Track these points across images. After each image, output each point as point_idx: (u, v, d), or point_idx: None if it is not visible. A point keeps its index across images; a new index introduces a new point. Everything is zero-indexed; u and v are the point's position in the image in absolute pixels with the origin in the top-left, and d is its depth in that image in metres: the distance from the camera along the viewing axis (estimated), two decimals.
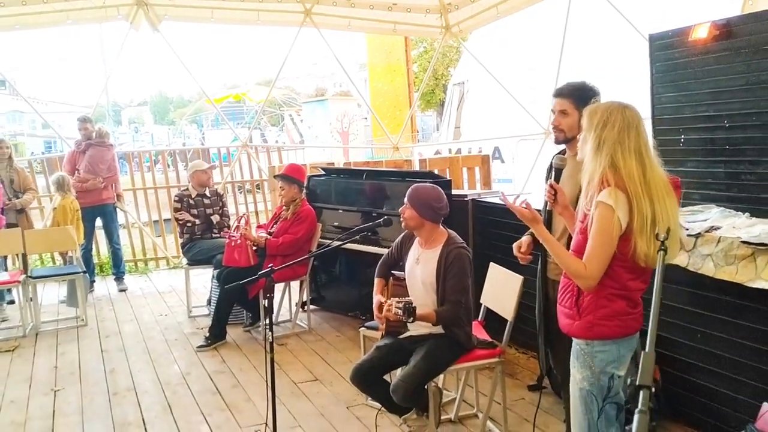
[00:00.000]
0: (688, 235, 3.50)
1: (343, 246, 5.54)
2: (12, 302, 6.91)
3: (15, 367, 5.32)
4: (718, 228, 3.50)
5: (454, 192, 5.66)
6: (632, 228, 2.35)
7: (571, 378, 2.64)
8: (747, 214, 3.79)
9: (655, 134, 4.76)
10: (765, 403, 3.06)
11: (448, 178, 6.40)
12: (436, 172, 7.18)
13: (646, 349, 1.56)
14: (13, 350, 5.73)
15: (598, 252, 2.38)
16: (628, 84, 7.85)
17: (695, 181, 4.49)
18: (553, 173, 2.87)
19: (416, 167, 7.79)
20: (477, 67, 10.86)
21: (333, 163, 8.61)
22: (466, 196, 5.57)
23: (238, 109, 32.20)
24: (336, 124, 19.01)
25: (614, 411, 2.55)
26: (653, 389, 1.49)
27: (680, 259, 3.52)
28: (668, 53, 4.64)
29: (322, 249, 5.02)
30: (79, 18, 8.11)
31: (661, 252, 1.98)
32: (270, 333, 3.47)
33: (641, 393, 1.44)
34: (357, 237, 4.99)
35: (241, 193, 10.03)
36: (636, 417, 1.37)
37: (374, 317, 3.68)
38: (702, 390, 3.61)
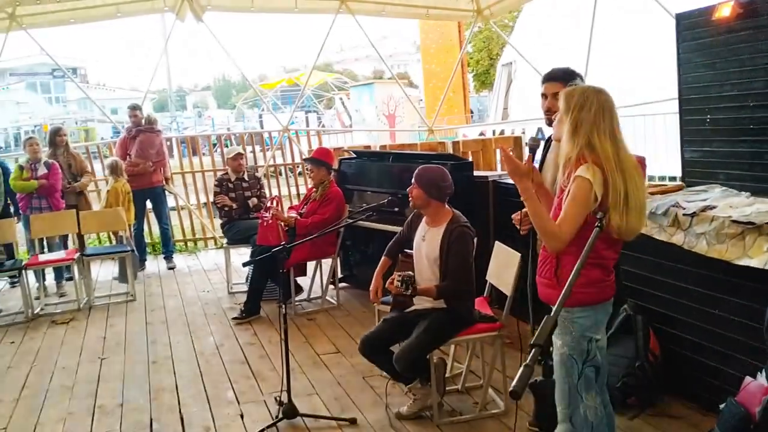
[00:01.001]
0: (684, 215, 3.57)
1: (371, 226, 5.81)
2: (70, 279, 7.40)
3: (68, 338, 5.76)
4: (714, 207, 3.55)
5: (476, 173, 5.79)
6: (607, 202, 2.49)
7: (553, 345, 2.78)
8: (748, 193, 3.82)
9: (681, 114, 4.80)
10: (747, 377, 3.13)
11: (470, 160, 6.49)
12: (466, 154, 7.31)
13: (551, 314, 1.70)
14: (67, 322, 6.18)
15: (571, 218, 2.52)
16: (658, 64, 7.80)
17: (720, 161, 4.48)
18: (529, 152, 3.00)
19: (450, 150, 7.91)
20: (525, 47, 10.85)
21: (369, 146, 8.81)
22: (487, 177, 5.70)
23: (296, 93, 32.70)
24: (382, 107, 19.18)
25: (593, 374, 2.69)
26: (546, 349, 1.64)
27: (676, 238, 3.61)
28: (695, 32, 4.62)
29: (329, 229, 5.22)
30: (127, 11, 8.53)
31: (597, 228, 2.11)
32: (284, 305, 3.69)
33: (532, 351, 1.60)
34: (374, 216, 5.20)
35: (282, 176, 10.34)
36: (520, 370, 1.52)
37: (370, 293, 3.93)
38: (698, 365, 3.69)
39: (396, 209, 5.47)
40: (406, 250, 4.16)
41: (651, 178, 6.19)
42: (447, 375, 4.19)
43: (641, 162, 2.72)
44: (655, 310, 3.95)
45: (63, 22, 8.45)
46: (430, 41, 21.32)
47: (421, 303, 3.82)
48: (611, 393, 2.91)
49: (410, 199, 3.91)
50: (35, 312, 6.45)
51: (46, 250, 7.37)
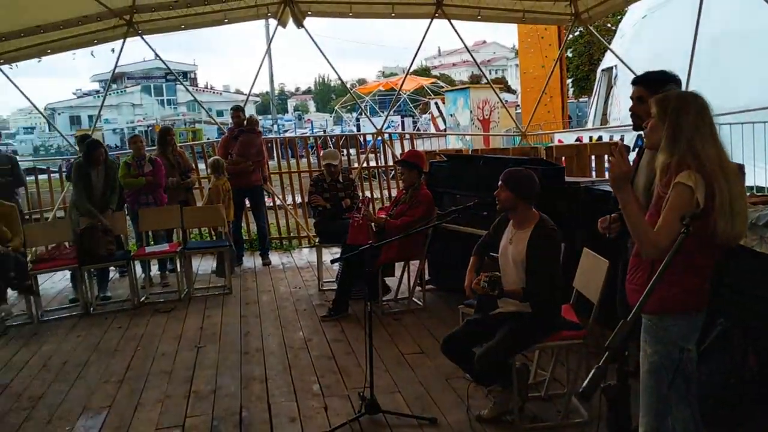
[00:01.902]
0: None
1: (458, 229, 5.81)
2: (173, 270, 7.77)
3: (169, 326, 6.06)
4: None
5: (568, 179, 5.68)
6: (712, 209, 2.42)
7: (642, 354, 2.71)
8: None
9: None
10: None
11: (562, 165, 6.37)
12: (559, 159, 7.17)
13: (628, 318, 1.66)
14: (169, 311, 6.51)
15: (671, 226, 2.43)
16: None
17: None
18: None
19: (543, 155, 7.79)
20: (626, 52, 10.54)
21: (462, 150, 8.79)
22: (579, 183, 5.58)
23: (393, 97, 33.01)
24: (477, 112, 19.05)
25: (683, 385, 2.60)
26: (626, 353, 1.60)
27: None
28: None
29: (416, 229, 5.24)
30: (234, 17, 8.87)
31: (683, 234, 2.04)
32: (370, 304, 3.75)
33: (607, 353, 1.56)
34: (462, 219, 5.18)
35: (375, 178, 10.46)
36: (592, 371, 1.50)
37: (465, 292, 3.90)
38: None
39: (484, 212, 5.45)
40: (492, 254, 4.13)
41: (747, 189, 5.91)
42: (530, 381, 4.13)
43: (740, 169, 2.61)
44: (755, 325, 3.75)
45: (175, 28, 8.88)
46: (528, 45, 21.03)
47: (505, 306, 3.80)
48: (702, 407, 2.79)
49: (497, 201, 3.89)
50: (141, 300, 6.83)
51: (152, 242, 7.78)
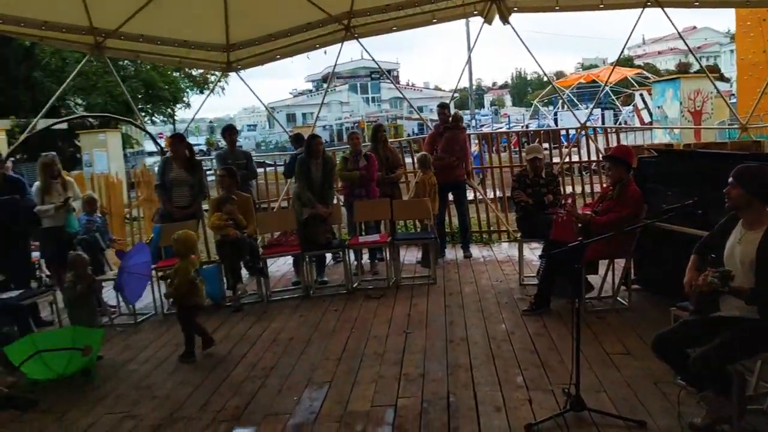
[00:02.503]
0: None
1: (671, 228, 5.50)
2: (381, 259, 8.15)
3: (379, 311, 6.40)
4: None
5: None
6: None
7: None
8: None
9: None
10: None
11: None
12: None
13: None
14: (379, 298, 6.86)
15: None
16: None
17: None
18: None
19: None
20: None
21: (671, 145, 8.26)
22: None
23: (592, 90, 31.69)
24: (688, 104, 17.66)
25: None
26: None
27: None
28: None
29: (628, 228, 5.04)
30: (442, 17, 9.10)
31: None
32: (576, 301, 3.69)
33: None
34: (674, 217, 4.90)
35: (576, 174, 10.16)
36: None
37: (685, 291, 3.70)
38: None
39: (699, 211, 5.10)
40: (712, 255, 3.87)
41: None
42: (750, 393, 3.83)
43: None
44: None
45: (387, 30, 9.29)
46: (747, 29, 19.09)
47: (728, 310, 3.56)
48: None
49: (727, 199, 3.64)
50: (354, 286, 7.28)
51: (363, 232, 8.23)
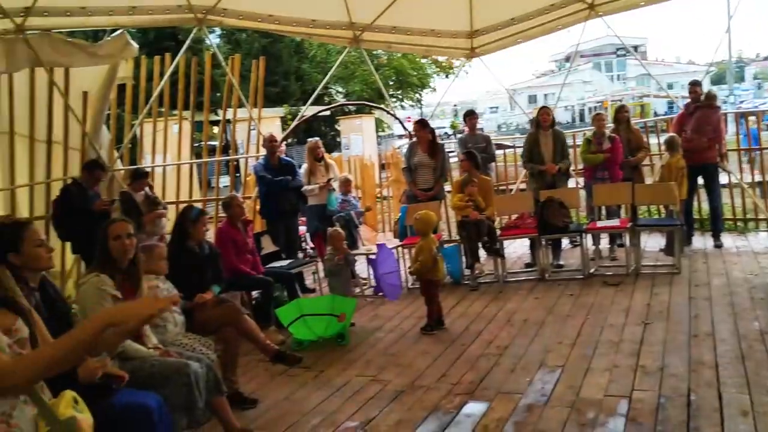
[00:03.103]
0: None
1: None
2: (621, 245, 7.75)
3: (617, 298, 6.12)
4: None
5: None
6: None
7: None
8: None
9: None
10: None
11: None
12: None
13: None
14: (617, 285, 6.55)
15: None
16: None
17: None
18: None
19: None
20: None
21: None
22: None
23: None
24: None
25: None
26: None
27: None
28: None
29: None
30: None
31: None
32: None
33: None
34: None
35: None
36: None
37: None
38: None
39: None
40: None
41: None
42: None
43: None
44: None
45: (634, 5, 8.69)
46: None
47: None
48: None
49: None
50: (590, 271, 7.03)
51: (603, 216, 7.89)
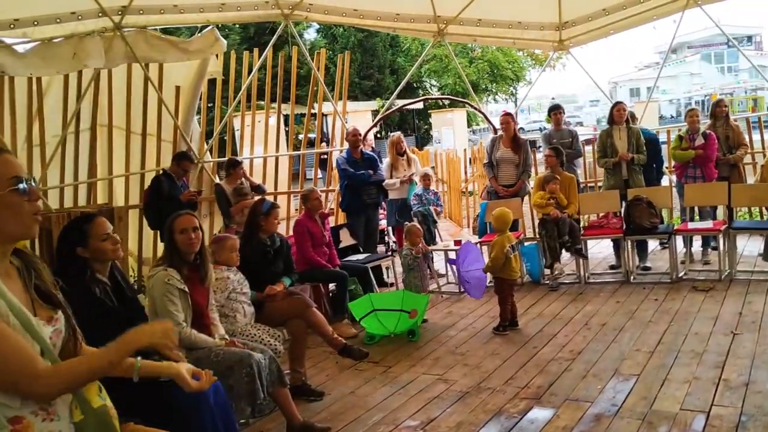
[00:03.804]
0: None
1: None
2: (715, 248, 7.25)
3: (705, 305, 5.72)
4: None
5: None
6: None
7: None
8: None
9: None
10: None
11: None
12: None
13: None
14: (707, 291, 6.13)
15: None
16: None
17: None
18: None
19: None
20: None
21: None
22: None
23: None
24: None
25: None
26: None
27: None
28: None
29: None
30: None
31: None
32: None
33: None
34: None
35: None
36: None
37: None
38: None
39: None
40: None
41: None
42: None
43: None
44: None
45: None
46: None
47: None
48: None
49: None
50: (679, 275, 6.62)
51: (696, 217, 7.40)
